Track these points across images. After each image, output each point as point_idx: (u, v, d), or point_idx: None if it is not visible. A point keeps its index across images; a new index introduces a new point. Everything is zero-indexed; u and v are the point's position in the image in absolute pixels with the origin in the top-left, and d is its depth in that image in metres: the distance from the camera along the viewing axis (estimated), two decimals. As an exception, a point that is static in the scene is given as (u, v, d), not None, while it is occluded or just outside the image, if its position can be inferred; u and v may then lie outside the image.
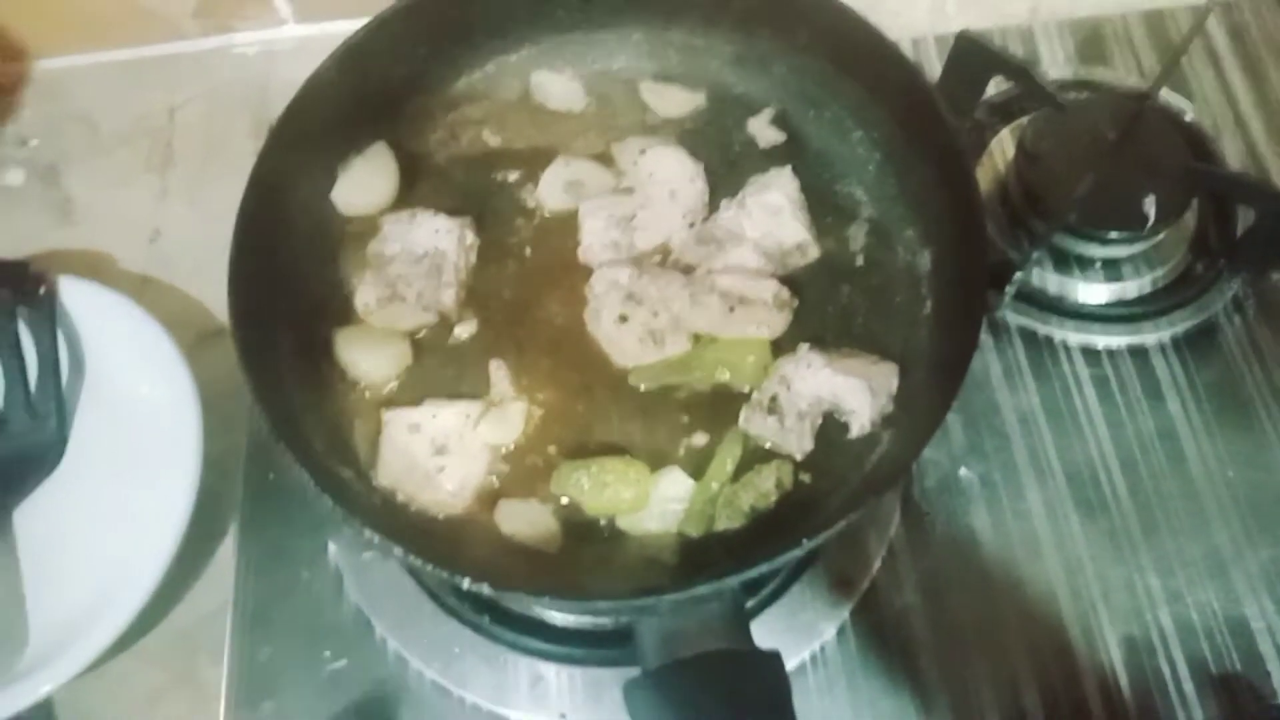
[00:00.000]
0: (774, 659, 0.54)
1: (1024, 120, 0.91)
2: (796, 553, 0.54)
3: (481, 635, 0.73)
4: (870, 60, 0.77)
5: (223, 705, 0.73)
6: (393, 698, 0.72)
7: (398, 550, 0.54)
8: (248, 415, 0.84)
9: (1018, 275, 0.79)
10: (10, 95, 1.02)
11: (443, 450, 0.65)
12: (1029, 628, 0.73)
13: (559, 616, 0.74)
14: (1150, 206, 0.80)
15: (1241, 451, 0.78)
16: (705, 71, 0.84)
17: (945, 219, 0.75)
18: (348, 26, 0.97)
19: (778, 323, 0.69)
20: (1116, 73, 0.95)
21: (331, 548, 0.77)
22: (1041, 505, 0.77)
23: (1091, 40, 0.97)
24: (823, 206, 0.78)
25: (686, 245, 0.73)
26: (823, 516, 0.61)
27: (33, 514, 0.80)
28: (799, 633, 0.73)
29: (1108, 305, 0.83)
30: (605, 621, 0.74)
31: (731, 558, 0.59)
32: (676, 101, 0.83)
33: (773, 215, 0.73)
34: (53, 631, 0.73)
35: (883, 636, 0.73)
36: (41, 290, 0.83)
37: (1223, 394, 0.80)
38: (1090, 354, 0.82)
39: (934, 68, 0.96)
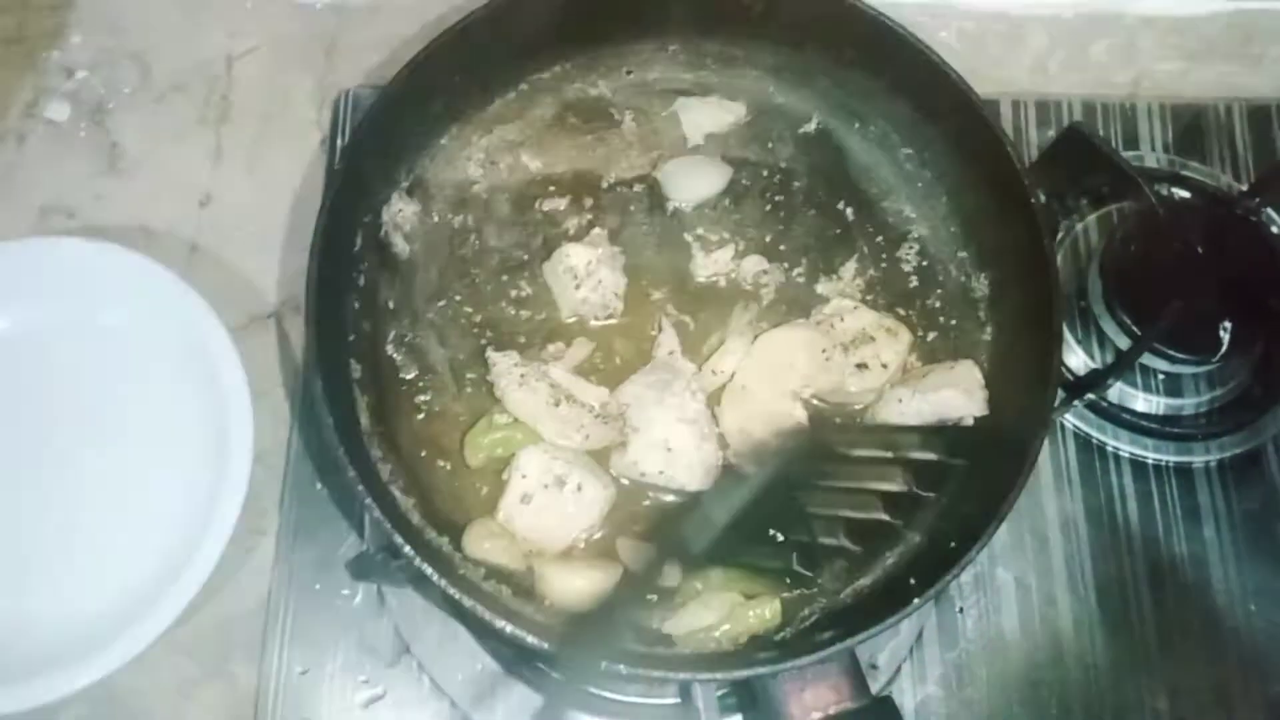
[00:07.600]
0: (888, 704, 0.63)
1: (1112, 209, 0.89)
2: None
3: (520, 681, 0.74)
4: (922, 79, 0.76)
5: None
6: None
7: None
8: (296, 412, 0.82)
9: (1090, 395, 0.80)
10: (58, 14, 0.96)
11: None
12: (1041, 734, 0.76)
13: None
14: (1225, 334, 0.80)
15: (1267, 586, 0.80)
16: (743, 81, 0.83)
17: (1006, 249, 0.75)
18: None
19: None
20: (1213, 169, 0.92)
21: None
22: (1070, 614, 0.79)
23: (1192, 129, 0.94)
24: (873, 224, 0.80)
25: None
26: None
27: (77, 499, 0.79)
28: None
29: (1164, 419, 0.84)
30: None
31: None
32: (716, 116, 0.82)
33: None
34: (98, 622, 0.73)
35: (901, 724, 0.76)
36: None
37: (1258, 525, 0.82)
38: (1139, 467, 0.83)
39: (1030, 133, 0.93)
